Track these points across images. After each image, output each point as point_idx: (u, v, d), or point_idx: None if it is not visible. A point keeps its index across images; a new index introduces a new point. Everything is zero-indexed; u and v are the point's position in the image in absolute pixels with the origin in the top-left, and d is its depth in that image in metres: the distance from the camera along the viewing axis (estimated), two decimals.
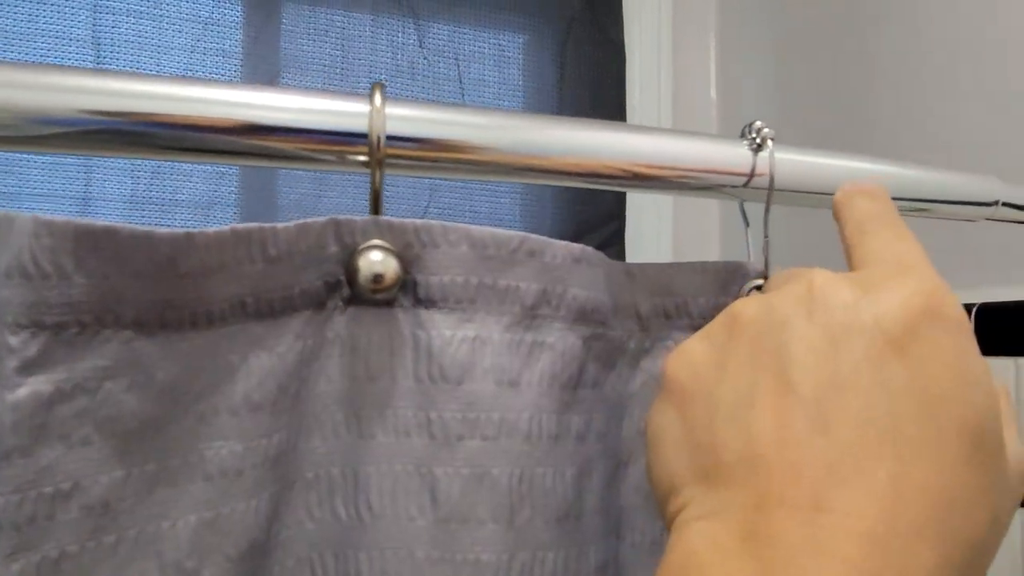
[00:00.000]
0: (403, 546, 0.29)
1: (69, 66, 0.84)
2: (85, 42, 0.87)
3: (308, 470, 0.29)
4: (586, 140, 0.34)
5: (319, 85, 0.96)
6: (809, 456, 0.18)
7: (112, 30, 0.88)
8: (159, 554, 0.26)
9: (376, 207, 0.30)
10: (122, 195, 0.87)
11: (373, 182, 0.30)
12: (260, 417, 0.27)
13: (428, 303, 0.30)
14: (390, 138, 0.29)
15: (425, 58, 1.00)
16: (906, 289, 0.20)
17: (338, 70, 0.97)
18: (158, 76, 0.29)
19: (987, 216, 0.40)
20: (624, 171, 0.34)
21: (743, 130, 0.35)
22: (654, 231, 1.14)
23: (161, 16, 0.91)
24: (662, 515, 0.22)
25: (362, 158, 0.30)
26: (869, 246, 0.24)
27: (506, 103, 1.05)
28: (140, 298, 0.25)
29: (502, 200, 1.06)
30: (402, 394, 0.29)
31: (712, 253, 1.16)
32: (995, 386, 0.20)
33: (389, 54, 0.99)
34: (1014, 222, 0.41)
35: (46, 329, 0.23)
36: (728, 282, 0.36)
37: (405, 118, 0.30)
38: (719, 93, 1.17)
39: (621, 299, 0.35)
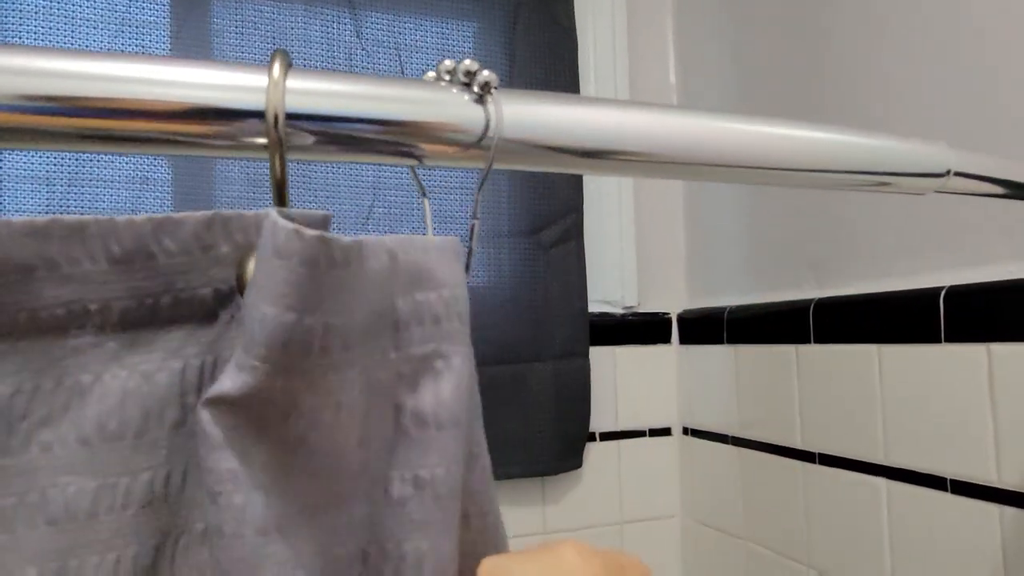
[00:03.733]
0: None
1: None
2: None
3: (198, 520, 0.24)
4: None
5: None
6: None
7: (18, 29, 0.82)
8: None
9: (281, 197, 0.25)
10: (37, 205, 0.82)
11: (273, 168, 0.25)
12: (118, 449, 0.23)
13: None
14: (291, 116, 0.24)
15: (363, 49, 0.95)
16: None
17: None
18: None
19: (937, 188, 0.35)
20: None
21: (441, 73, 0.28)
22: (615, 221, 1.09)
23: (75, 15, 0.85)
24: None
25: (259, 140, 0.25)
26: None
27: None
28: None
29: (452, 196, 1.01)
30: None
31: (677, 241, 1.12)
32: None
33: (324, 45, 0.93)
34: (967, 194, 0.36)
35: None
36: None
37: (309, 92, 0.25)
38: (678, 77, 1.13)
39: None
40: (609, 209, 1.09)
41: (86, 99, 0.22)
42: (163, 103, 0.23)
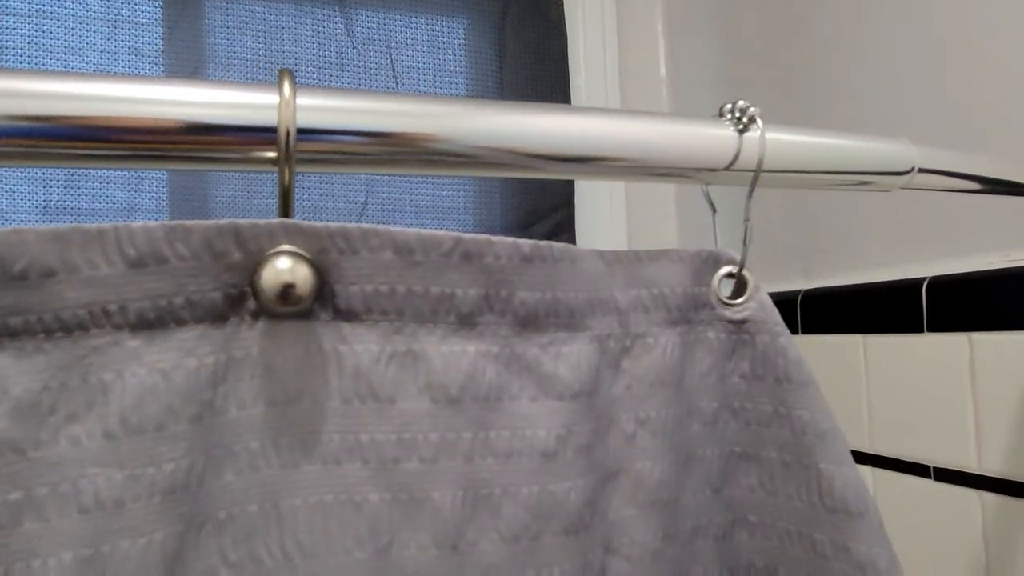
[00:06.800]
0: None
1: None
2: None
3: (220, 509, 0.26)
4: (536, 125, 0.30)
5: (240, 80, 0.91)
6: None
7: (12, 32, 0.83)
8: None
9: (286, 208, 0.27)
10: (34, 205, 0.83)
11: (282, 180, 0.26)
12: (143, 442, 0.25)
13: (350, 315, 0.27)
14: (302, 131, 0.26)
15: (354, 47, 0.95)
16: None
17: (261, 64, 0.92)
18: (25, 71, 0.25)
19: (903, 185, 0.36)
20: (576, 156, 0.31)
21: (721, 109, 0.34)
22: (607, 217, 1.10)
23: (68, 16, 0.86)
24: None
25: (270, 155, 0.26)
26: None
27: (443, 91, 1.01)
28: None
29: (445, 192, 1.02)
30: (327, 417, 0.27)
31: (669, 239, 1.12)
32: None
33: (315, 45, 0.94)
34: (934, 190, 0.37)
35: None
36: (702, 271, 0.34)
37: (319, 108, 0.27)
38: (668, 70, 1.13)
39: (598, 294, 0.31)
40: (600, 203, 1.10)
41: (111, 118, 0.24)
42: (192, 124, 0.25)
